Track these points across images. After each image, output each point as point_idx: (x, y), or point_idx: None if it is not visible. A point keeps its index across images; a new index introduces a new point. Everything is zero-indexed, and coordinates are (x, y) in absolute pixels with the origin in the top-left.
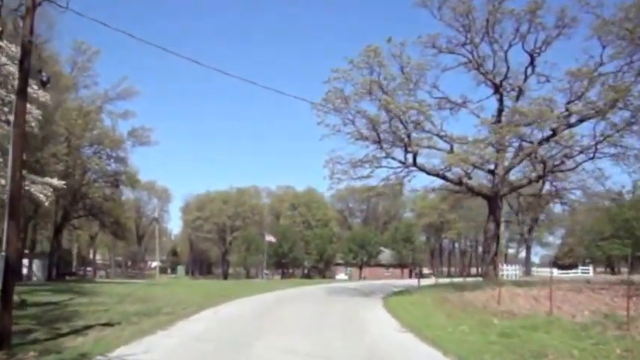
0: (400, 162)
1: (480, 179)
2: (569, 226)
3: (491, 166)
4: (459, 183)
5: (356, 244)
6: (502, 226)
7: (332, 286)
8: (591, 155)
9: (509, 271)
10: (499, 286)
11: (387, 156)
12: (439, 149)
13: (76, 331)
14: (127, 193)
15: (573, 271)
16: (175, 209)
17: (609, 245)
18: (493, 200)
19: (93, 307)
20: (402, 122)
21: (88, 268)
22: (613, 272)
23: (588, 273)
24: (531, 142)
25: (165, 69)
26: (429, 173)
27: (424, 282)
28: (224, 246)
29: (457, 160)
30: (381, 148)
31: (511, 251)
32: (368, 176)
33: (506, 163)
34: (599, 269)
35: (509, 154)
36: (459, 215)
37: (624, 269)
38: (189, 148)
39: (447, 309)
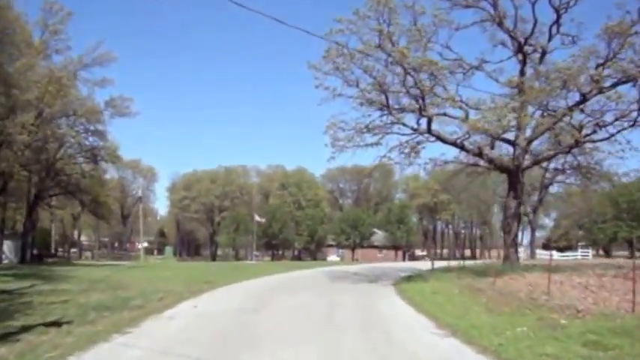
0: (412, 129)
1: (498, 152)
2: (563, 208)
3: (512, 137)
4: (479, 154)
5: (348, 225)
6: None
7: (329, 270)
8: (631, 122)
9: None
10: (526, 271)
11: (398, 121)
12: (453, 117)
13: (6, 336)
14: (111, 172)
15: (572, 253)
16: (162, 189)
17: (612, 227)
18: (514, 174)
19: (52, 298)
20: (416, 82)
21: (73, 250)
22: (607, 255)
23: (588, 256)
24: (553, 114)
25: (150, 41)
26: (445, 141)
27: (425, 265)
28: (212, 227)
29: (480, 125)
30: (390, 113)
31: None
32: (377, 143)
33: (527, 134)
34: (592, 252)
35: (531, 124)
36: (453, 196)
37: (619, 252)
38: (176, 126)
39: (481, 301)
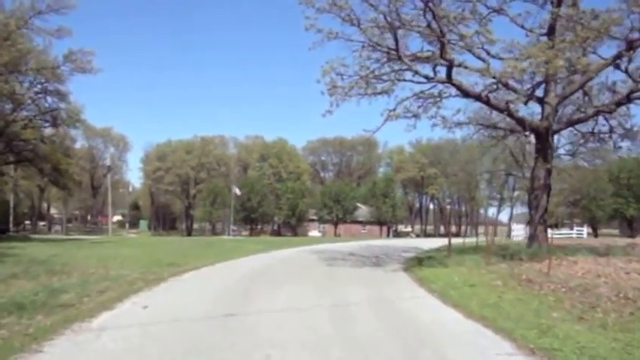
0: (426, 77)
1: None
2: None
3: (539, 94)
4: (505, 110)
5: (331, 199)
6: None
7: (318, 249)
8: None
9: (515, 232)
10: (567, 255)
11: (410, 68)
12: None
13: None
14: (81, 141)
15: (566, 231)
16: (136, 160)
17: (612, 204)
18: (543, 138)
19: None
20: (435, 15)
21: (42, 223)
22: (595, 234)
23: (583, 234)
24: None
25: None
26: (467, 94)
27: (421, 242)
28: (187, 199)
29: (519, 66)
30: (399, 58)
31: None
32: (387, 90)
33: (558, 91)
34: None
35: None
36: (440, 170)
37: (607, 230)
38: (150, 93)
39: (548, 300)
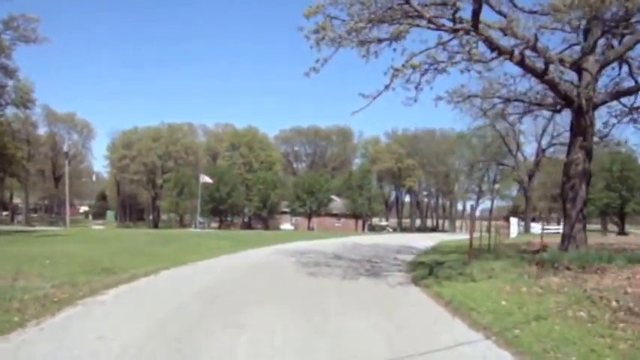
0: (452, 30)
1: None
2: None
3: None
4: (543, 74)
5: (304, 191)
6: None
7: (295, 247)
8: None
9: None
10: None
11: (420, 15)
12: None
13: None
14: (42, 127)
15: (555, 227)
16: (103, 147)
17: (604, 198)
18: (580, 113)
19: None
20: None
21: (5, 212)
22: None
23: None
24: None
25: None
26: (497, 50)
27: (406, 239)
28: (154, 189)
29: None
30: (407, 2)
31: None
32: (397, 36)
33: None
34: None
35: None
36: (418, 162)
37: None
38: (116, 78)
39: None
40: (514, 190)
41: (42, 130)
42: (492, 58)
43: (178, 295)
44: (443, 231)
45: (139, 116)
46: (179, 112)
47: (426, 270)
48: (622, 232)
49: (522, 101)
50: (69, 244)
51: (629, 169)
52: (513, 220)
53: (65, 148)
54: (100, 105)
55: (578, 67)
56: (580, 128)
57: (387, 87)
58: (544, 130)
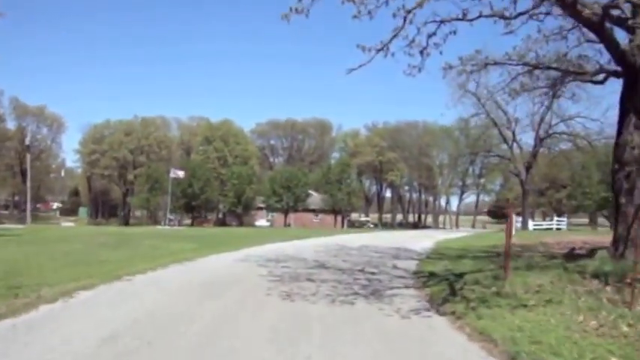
0: None
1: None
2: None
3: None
4: (599, 24)
5: (280, 186)
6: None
7: (270, 252)
8: None
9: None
10: None
11: None
12: None
13: None
14: (11, 121)
15: (547, 223)
16: (74, 142)
17: (601, 192)
18: (634, 78)
19: None
20: None
21: None
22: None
23: (563, 225)
24: None
25: None
26: None
27: (416, 238)
28: (125, 185)
29: None
30: None
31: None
32: None
33: None
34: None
35: None
36: (400, 155)
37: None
38: (88, 71)
39: None
40: (497, 185)
41: (11, 124)
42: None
43: (64, 347)
44: (426, 227)
45: (114, 110)
46: (154, 105)
47: (443, 286)
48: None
49: (556, 69)
50: (9, 246)
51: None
52: (516, 217)
53: (27, 141)
54: (74, 99)
55: (625, 25)
56: (631, 98)
57: (395, 36)
58: (542, 119)
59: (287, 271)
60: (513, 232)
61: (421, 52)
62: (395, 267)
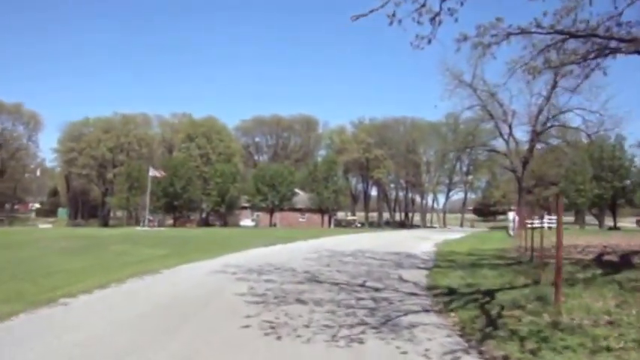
0: None
1: None
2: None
3: None
4: None
5: (265, 184)
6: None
7: (253, 259)
8: None
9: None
10: None
11: None
12: None
13: None
14: None
15: (537, 221)
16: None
17: (595, 189)
18: None
19: None
20: None
21: None
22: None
23: (554, 224)
24: None
25: None
26: None
27: (413, 239)
28: (104, 185)
29: None
30: None
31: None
32: None
33: None
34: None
35: None
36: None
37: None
38: (67, 67)
39: None
40: (483, 182)
41: None
42: None
43: None
44: (413, 226)
45: (94, 108)
46: (135, 102)
47: (473, 310)
48: (614, 226)
49: (597, 36)
50: None
51: (619, 157)
52: (511, 215)
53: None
54: (53, 97)
55: None
56: None
57: None
58: (540, 110)
59: (271, 288)
60: (511, 234)
61: (432, 20)
62: (401, 279)
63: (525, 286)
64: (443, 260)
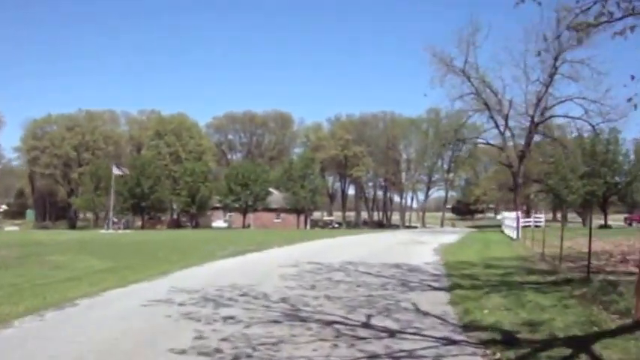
0: None
1: None
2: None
3: None
4: None
5: (238, 184)
6: None
7: (213, 278)
8: None
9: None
10: None
11: None
12: None
13: None
14: None
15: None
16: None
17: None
18: None
19: None
20: None
21: None
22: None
23: (541, 221)
24: None
25: None
26: None
27: (405, 244)
28: (69, 185)
29: None
30: None
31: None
32: None
33: None
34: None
35: None
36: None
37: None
38: (30, 61)
39: None
40: (462, 180)
41: None
42: None
43: None
44: (392, 225)
45: (59, 105)
46: (101, 99)
47: None
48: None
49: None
50: None
51: (613, 151)
52: (511, 215)
53: None
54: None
55: None
56: None
57: None
58: (539, 100)
59: (231, 335)
60: (513, 236)
61: None
62: (419, 311)
63: (623, 329)
64: (458, 275)
